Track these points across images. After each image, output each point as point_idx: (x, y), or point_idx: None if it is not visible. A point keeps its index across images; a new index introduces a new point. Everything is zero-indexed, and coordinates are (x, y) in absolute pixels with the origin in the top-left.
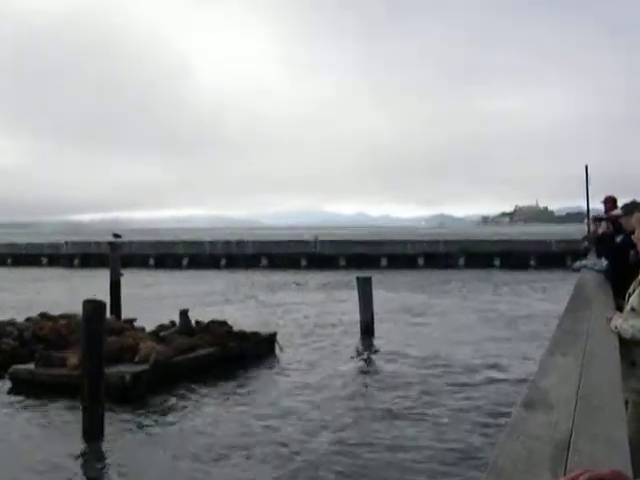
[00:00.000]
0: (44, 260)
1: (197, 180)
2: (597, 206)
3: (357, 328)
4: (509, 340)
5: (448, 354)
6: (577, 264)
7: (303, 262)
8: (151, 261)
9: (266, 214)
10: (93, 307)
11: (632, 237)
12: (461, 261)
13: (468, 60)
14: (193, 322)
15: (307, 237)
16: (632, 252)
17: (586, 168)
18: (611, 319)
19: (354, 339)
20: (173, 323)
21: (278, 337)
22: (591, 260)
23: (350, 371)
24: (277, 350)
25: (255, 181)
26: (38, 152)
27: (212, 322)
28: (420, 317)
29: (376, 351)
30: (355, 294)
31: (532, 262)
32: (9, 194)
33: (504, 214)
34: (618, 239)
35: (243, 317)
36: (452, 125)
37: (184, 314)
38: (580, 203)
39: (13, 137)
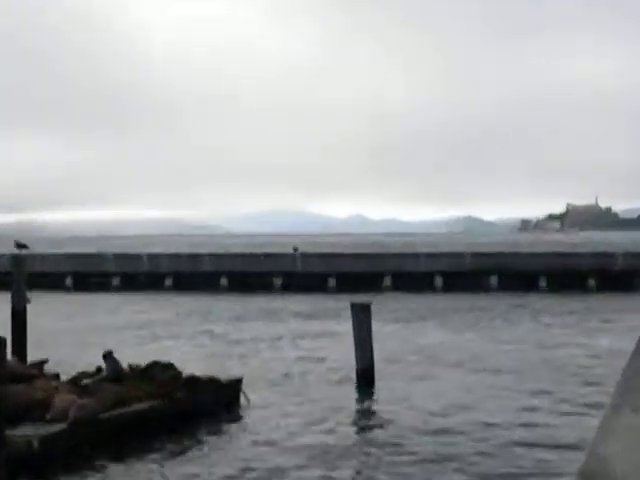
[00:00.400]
0: None
1: (137, 169)
2: None
3: (351, 375)
4: (556, 391)
5: (475, 417)
6: None
7: (278, 283)
8: (69, 281)
9: (232, 216)
10: None
11: None
12: (493, 281)
13: (510, 6)
14: (126, 365)
15: (284, 248)
16: None
17: None
18: None
19: (346, 390)
20: (99, 369)
21: (244, 385)
22: None
23: (338, 437)
24: (242, 403)
25: (217, 172)
26: None
27: (153, 365)
28: (438, 363)
29: (373, 412)
30: (349, 326)
31: (590, 283)
32: None
33: (552, 217)
34: None
35: (196, 358)
36: (484, 96)
37: (109, 356)
38: None
39: None
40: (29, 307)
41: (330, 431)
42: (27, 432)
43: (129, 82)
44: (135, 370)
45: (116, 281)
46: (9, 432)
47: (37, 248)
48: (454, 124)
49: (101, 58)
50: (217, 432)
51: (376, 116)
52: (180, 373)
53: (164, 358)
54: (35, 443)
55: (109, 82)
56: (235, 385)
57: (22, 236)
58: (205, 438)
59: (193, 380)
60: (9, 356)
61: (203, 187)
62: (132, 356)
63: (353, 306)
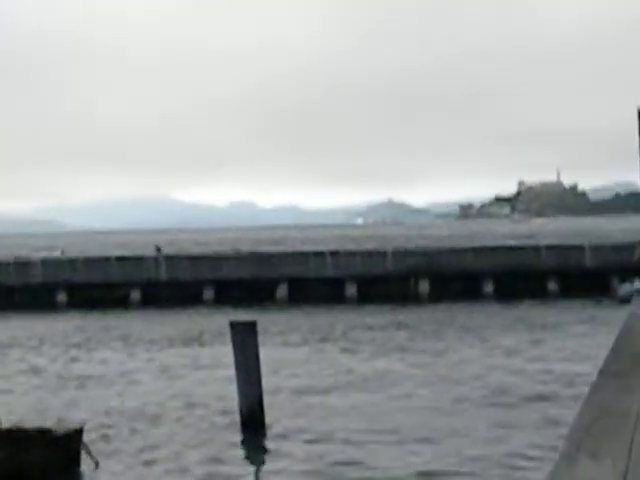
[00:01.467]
0: None
1: None
2: None
3: (235, 417)
4: (498, 436)
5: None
6: (625, 289)
7: (135, 296)
8: None
9: (71, 207)
10: None
11: None
12: (423, 288)
13: None
14: None
15: (143, 250)
16: None
17: (639, 113)
18: None
19: (228, 439)
20: None
21: (86, 437)
22: None
23: None
24: (84, 461)
25: (52, 148)
26: None
27: None
28: (338, 398)
29: (260, 463)
30: (225, 353)
31: (551, 287)
32: None
33: (500, 199)
34: None
35: (17, 402)
36: (412, 49)
37: None
38: (632, 178)
39: None
40: None
41: None
42: None
43: None
44: None
45: None
46: None
47: None
48: (373, 84)
49: None
50: None
51: (269, 74)
52: None
53: None
54: None
55: None
56: (74, 438)
57: None
58: None
59: (16, 432)
60: None
61: (34, 170)
62: None
63: (233, 326)
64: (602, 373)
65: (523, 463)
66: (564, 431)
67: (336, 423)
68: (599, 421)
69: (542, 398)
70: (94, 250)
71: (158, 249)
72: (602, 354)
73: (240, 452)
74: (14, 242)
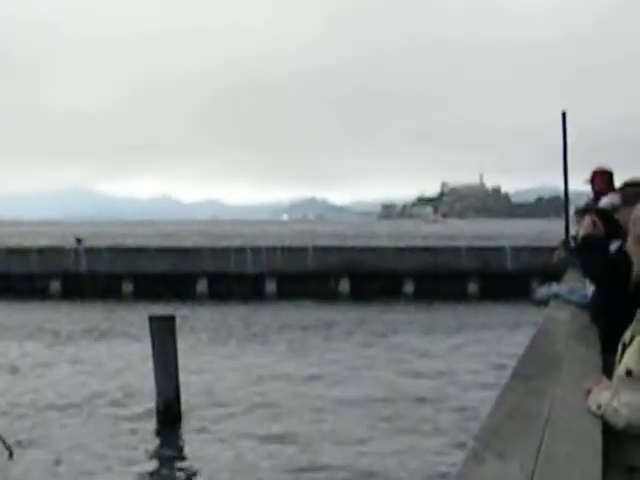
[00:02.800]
0: None
1: None
2: (582, 187)
3: (149, 412)
4: (407, 440)
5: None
6: (541, 292)
7: (54, 287)
8: None
9: None
10: None
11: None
12: (343, 285)
13: None
14: None
15: (62, 241)
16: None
17: (563, 116)
18: (590, 392)
19: (143, 434)
20: None
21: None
22: (566, 285)
23: None
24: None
25: None
26: None
27: None
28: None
29: (176, 461)
30: (144, 347)
31: (471, 288)
32: None
33: (423, 200)
34: (613, 246)
35: None
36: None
37: None
38: (556, 182)
39: None
40: None
41: None
42: None
43: None
44: None
45: None
46: None
47: None
48: (306, 78)
49: None
50: None
51: (213, 61)
52: None
53: None
54: None
55: None
56: None
57: None
58: None
59: None
60: None
61: None
62: None
63: (152, 320)
64: (514, 375)
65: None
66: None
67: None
68: (508, 422)
69: (420, 401)
70: (15, 240)
71: (78, 241)
72: (510, 357)
73: (154, 446)
74: None
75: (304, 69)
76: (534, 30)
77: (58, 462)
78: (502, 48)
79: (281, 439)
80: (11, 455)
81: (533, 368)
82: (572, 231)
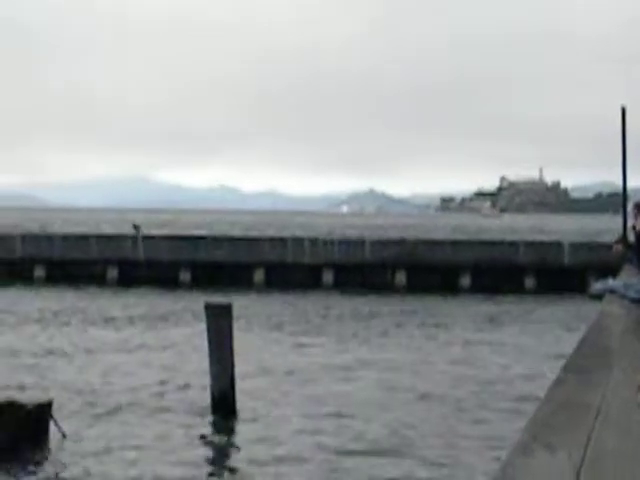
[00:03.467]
0: None
1: None
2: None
3: (204, 399)
4: (464, 426)
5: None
6: (597, 287)
7: (112, 274)
8: None
9: (54, 183)
10: None
11: None
12: (400, 278)
13: None
14: None
15: (121, 228)
16: None
17: (623, 112)
18: None
19: (196, 421)
20: None
21: (55, 410)
22: (622, 280)
23: None
24: (53, 433)
25: (39, 124)
26: None
27: None
28: (308, 386)
29: (231, 452)
30: (200, 334)
31: (528, 282)
32: None
33: (481, 194)
34: None
35: None
36: (414, 38)
37: None
38: (616, 178)
39: None
40: None
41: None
42: None
43: None
44: None
45: None
46: None
47: None
48: (366, 70)
49: None
50: (18, 475)
51: (268, 53)
52: None
53: None
54: None
55: None
56: (43, 411)
57: None
58: None
59: None
60: None
61: (14, 147)
62: None
63: (209, 307)
64: (567, 368)
65: None
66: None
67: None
68: (558, 414)
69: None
70: (74, 227)
71: (136, 227)
72: (564, 351)
73: (210, 434)
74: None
75: (367, 60)
76: (600, 22)
77: (108, 449)
78: (565, 40)
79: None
80: (64, 437)
81: (586, 361)
82: (629, 224)
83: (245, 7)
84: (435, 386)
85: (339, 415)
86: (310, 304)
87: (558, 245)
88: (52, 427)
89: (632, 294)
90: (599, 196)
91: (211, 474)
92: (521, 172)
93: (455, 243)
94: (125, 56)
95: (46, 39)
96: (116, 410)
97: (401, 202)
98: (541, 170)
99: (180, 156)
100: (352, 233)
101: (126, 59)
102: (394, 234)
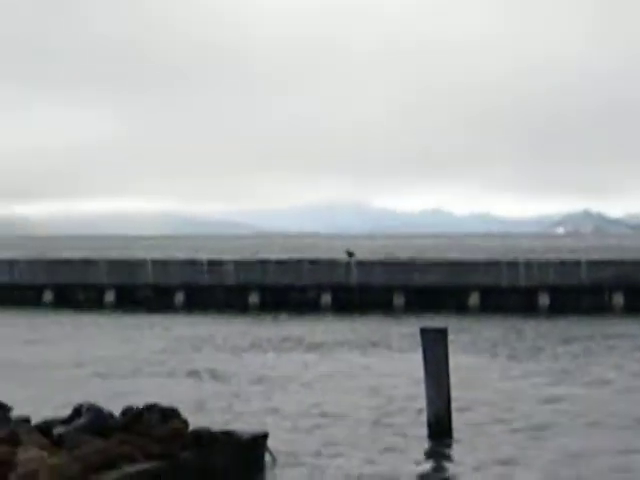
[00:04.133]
0: None
1: (146, 152)
2: None
3: (419, 424)
4: None
5: None
6: None
7: (326, 299)
8: (47, 295)
9: (266, 210)
10: None
11: None
12: (617, 299)
13: None
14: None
15: (335, 254)
16: None
17: None
18: None
19: (413, 445)
20: (77, 412)
21: (270, 441)
22: None
23: None
24: (268, 464)
25: (254, 153)
26: None
27: (148, 410)
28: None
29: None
30: (414, 359)
31: None
32: None
33: None
34: None
35: (195, 404)
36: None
37: (90, 408)
38: None
39: None
40: None
41: None
42: None
43: (133, 39)
44: (125, 417)
45: (110, 296)
46: None
47: (7, 250)
48: (579, 88)
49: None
50: None
51: (467, 77)
52: (186, 424)
53: (150, 399)
54: None
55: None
56: (259, 443)
57: None
58: None
59: (204, 435)
60: None
61: (232, 176)
62: (111, 396)
63: (424, 332)
64: None
65: None
66: None
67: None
68: None
69: None
70: (287, 253)
71: (350, 254)
72: None
73: (425, 459)
74: (210, 244)
75: (584, 76)
76: None
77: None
78: None
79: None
80: (274, 461)
81: None
82: None
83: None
84: None
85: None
86: (526, 327)
87: None
88: (268, 458)
89: None
90: None
91: None
92: None
93: None
94: (341, 82)
95: (268, 71)
96: (332, 437)
97: (617, 222)
98: None
99: (394, 181)
100: (567, 255)
101: (342, 85)
102: (611, 256)
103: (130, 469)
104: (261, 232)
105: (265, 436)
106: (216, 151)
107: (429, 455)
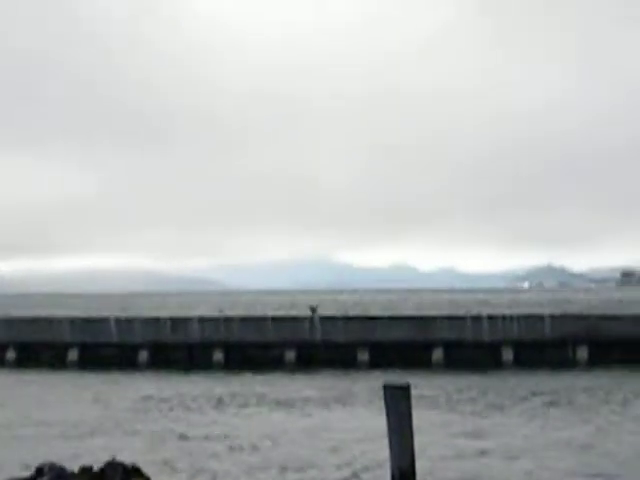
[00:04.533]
0: None
1: (129, 206)
2: None
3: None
4: None
5: None
6: None
7: (290, 356)
8: (10, 354)
9: (232, 266)
10: None
11: None
12: (581, 354)
13: None
14: (76, 468)
15: (299, 310)
16: None
17: None
18: None
19: None
20: (39, 472)
21: None
22: None
23: None
24: None
25: (227, 207)
26: None
27: (111, 466)
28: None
29: None
30: (373, 415)
31: None
32: None
33: None
34: None
35: (159, 461)
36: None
37: (52, 467)
38: None
39: None
40: None
41: None
42: None
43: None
44: (88, 475)
45: (73, 354)
46: None
47: None
48: (545, 139)
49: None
50: None
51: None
52: None
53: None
54: None
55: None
56: None
57: None
58: None
59: None
60: None
61: (200, 232)
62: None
63: (387, 388)
64: None
65: None
66: None
67: None
68: None
69: None
70: (252, 310)
71: (313, 309)
72: None
73: None
74: (178, 300)
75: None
76: None
77: None
78: None
79: None
80: None
81: None
82: None
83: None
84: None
85: None
86: (489, 383)
87: None
88: None
89: None
90: None
91: None
92: None
93: (638, 318)
94: (318, 135)
95: (231, 125)
96: None
97: (580, 276)
98: None
99: (362, 236)
100: (532, 310)
101: (319, 138)
102: (574, 309)
103: None
104: (228, 289)
105: None
106: (184, 207)
107: None
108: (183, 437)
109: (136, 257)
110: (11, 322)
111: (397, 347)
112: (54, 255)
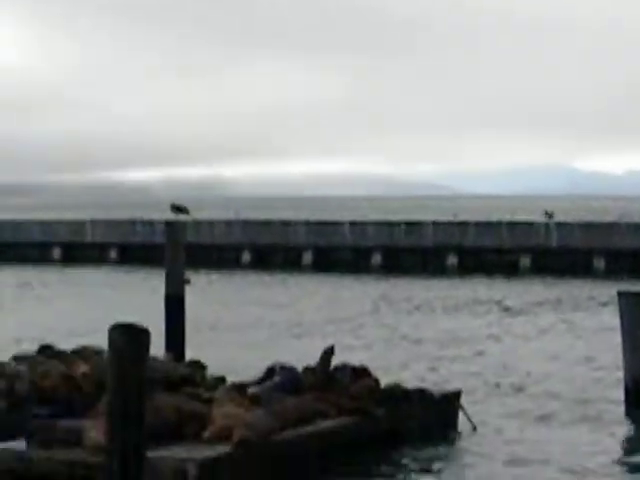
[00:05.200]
0: (56, 253)
1: (374, 112)
2: None
3: (615, 392)
4: None
5: None
6: None
7: (525, 262)
8: (245, 256)
9: (467, 172)
10: (128, 338)
11: None
12: None
13: None
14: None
15: (534, 215)
16: None
17: None
18: None
19: (610, 410)
20: (270, 372)
21: (463, 399)
22: None
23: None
24: (461, 423)
25: (458, 115)
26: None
27: (341, 369)
28: None
29: None
30: (604, 321)
31: None
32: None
33: None
34: None
35: (381, 360)
36: None
37: (283, 367)
38: None
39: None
40: (188, 290)
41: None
42: (179, 455)
43: None
44: (318, 376)
45: (307, 258)
46: (155, 454)
47: (215, 211)
48: None
49: None
50: (429, 463)
51: None
52: (378, 382)
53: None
54: (192, 470)
55: None
56: (451, 401)
57: (200, 195)
58: (413, 472)
59: (398, 392)
60: (161, 353)
61: (438, 136)
62: (301, 354)
63: (622, 295)
64: None
65: None
66: None
67: None
68: None
69: None
70: (485, 215)
71: (549, 214)
72: None
73: (621, 428)
74: (411, 204)
75: None
76: None
77: (519, 442)
78: None
79: None
80: (475, 429)
81: None
82: None
83: None
84: None
85: None
86: None
87: None
88: (461, 417)
89: None
90: None
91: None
92: None
93: None
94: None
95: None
96: (520, 400)
97: None
98: None
99: (594, 143)
100: None
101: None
102: None
103: (326, 424)
104: (458, 194)
105: (458, 394)
106: (426, 111)
107: (627, 425)
108: (411, 339)
109: (370, 162)
110: (247, 224)
111: (634, 255)
112: (290, 160)
